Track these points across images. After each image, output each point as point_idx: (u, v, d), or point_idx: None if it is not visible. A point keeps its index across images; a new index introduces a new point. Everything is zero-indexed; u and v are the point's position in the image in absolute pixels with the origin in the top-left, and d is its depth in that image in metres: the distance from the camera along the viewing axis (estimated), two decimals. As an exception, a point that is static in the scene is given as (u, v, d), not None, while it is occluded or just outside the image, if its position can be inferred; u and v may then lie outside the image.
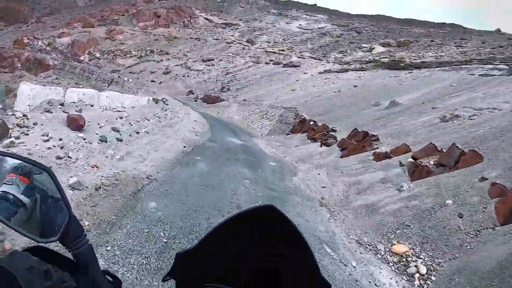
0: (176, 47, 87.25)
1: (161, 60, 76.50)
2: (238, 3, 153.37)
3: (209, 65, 72.65)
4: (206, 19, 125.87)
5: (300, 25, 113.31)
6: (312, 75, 55.48)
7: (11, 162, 0.94)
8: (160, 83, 62.50)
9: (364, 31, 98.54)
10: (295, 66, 64.27)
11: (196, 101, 49.04)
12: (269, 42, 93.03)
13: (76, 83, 40.51)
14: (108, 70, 71.72)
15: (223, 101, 43.87)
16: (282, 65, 66.43)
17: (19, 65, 73.83)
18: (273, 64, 68.30)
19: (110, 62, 76.23)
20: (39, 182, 0.93)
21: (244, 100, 37.69)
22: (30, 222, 0.91)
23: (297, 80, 51.44)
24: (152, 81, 64.69)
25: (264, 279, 0.96)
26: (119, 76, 61.07)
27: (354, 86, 37.27)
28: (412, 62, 54.83)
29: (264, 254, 0.94)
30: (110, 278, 0.98)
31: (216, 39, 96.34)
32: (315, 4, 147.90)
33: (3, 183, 0.89)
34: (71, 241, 0.92)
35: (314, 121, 20.68)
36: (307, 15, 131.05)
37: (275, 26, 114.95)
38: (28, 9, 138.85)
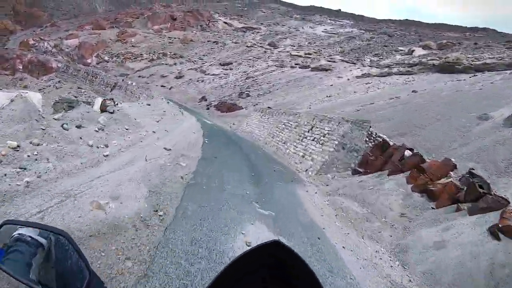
0: (192, 50, 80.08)
1: (174, 64, 69.09)
2: (259, 8, 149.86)
3: (227, 69, 64.77)
4: (226, 23, 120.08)
5: (325, 29, 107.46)
6: (348, 79, 47.08)
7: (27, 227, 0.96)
8: (170, 88, 54.78)
9: (395, 35, 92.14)
10: (326, 70, 56.65)
11: (208, 109, 40.85)
12: (294, 46, 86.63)
13: (79, 87, 33.34)
14: (116, 73, 64.79)
15: (241, 109, 35.51)
16: (310, 68, 58.85)
17: (21, 67, 66.36)
18: (299, 68, 61.27)
19: (119, 66, 69.33)
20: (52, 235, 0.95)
21: (269, 107, 28.96)
22: (49, 269, 0.93)
23: (331, 85, 42.71)
24: (162, 86, 57.10)
25: None
26: (123, 80, 53.87)
27: (412, 91, 28.32)
28: (472, 64, 45.02)
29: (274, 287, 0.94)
30: None
31: (235, 43, 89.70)
32: (339, 10, 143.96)
33: (19, 227, 0.93)
34: None
35: (410, 149, 11.48)
36: (332, 20, 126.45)
37: (298, 30, 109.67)
38: (47, 14, 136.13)
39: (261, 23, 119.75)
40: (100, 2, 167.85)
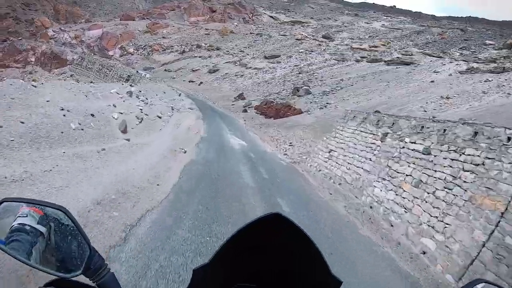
0: (231, 42, 67.88)
1: (209, 57, 56.95)
2: (307, 4, 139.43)
3: (273, 63, 51.64)
4: (271, 17, 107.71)
5: (383, 24, 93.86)
6: (450, 74, 32.82)
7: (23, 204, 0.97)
8: (200, 84, 42.41)
9: (468, 30, 77.63)
10: (407, 64, 43.22)
11: (246, 111, 27.75)
12: (353, 39, 73.19)
13: (91, 82, 24.81)
14: (139, 67, 53.93)
15: (301, 113, 22.00)
16: (383, 62, 45.02)
17: (33, 60, 54.92)
18: (367, 61, 48.03)
19: (144, 59, 58.34)
20: (51, 212, 0.96)
21: (377, 111, 14.84)
22: (49, 253, 0.94)
23: (432, 81, 28.46)
24: (190, 81, 44.87)
25: (278, 279, 0.99)
26: (137, 72, 42.47)
27: None
28: None
29: (277, 259, 0.96)
30: None
31: (282, 35, 77.15)
32: (394, 6, 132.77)
33: (18, 216, 0.92)
34: (94, 273, 0.94)
35: None
36: (387, 16, 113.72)
37: (354, 25, 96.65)
38: (89, 14, 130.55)
39: (311, 17, 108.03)
40: (141, 1, 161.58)
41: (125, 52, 60.68)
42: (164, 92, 23.76)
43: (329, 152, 12.00)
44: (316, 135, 15.53)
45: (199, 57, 57.07)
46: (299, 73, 42.73)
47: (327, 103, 23.66)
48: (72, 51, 56.69)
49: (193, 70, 49.66)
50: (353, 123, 11.37)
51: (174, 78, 47.19)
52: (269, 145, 16.38)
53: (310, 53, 59.47)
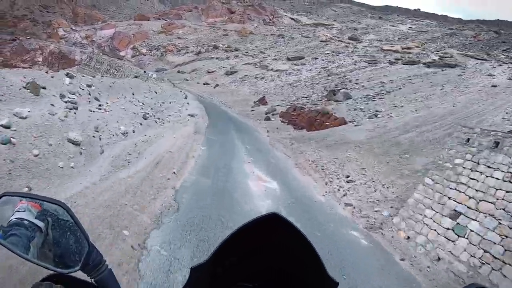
0: (251, 43, 63.41)
1: (227, 58, 52.39)
2: (329, 7, 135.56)
3: (297, 64, 46.63)
4: (293, 19, 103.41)
5: (410, 27, 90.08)
6: (510, 78, 27.40)
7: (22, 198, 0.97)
8: (215, 87, 37.81)
9: (501, 33, 74.06)
10: (451, 66, 37.59)
11: (269, 119, 22.72)
12: (381, 40, 68.46)
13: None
14: (151, 68, 49.88)
15: (345, 124, 16.71)
16: (423, 65, 39.86)
17: (40, 60, 51.78)
18: (402, 63, 42.98)
19: (157, 60, 54.24)
20: (49, 207, 0.95)
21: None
22: (46, 248, 0.93)
23: (494, 86, 23.44)
24: (205, 83, 40.28)
25: (276, 280, 1.00)
26: (144, 72, 38.10)
27: None
28: None
29: (273, 260, 0.97)
30: None
31: (305, 37, 72.91)
32: (419, 9, 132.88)
33: (16, 211, 0.91)
34: (92, 269, 0.93)
35: None
36: (412, 19, 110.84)
37: (379, 27, 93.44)
38: (108, 17, 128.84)
39: (334, 20, 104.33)
40: (160, 5, 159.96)
41: (138, 53, 56.75)
42: (156, 92, 19.13)
43: (453, 215, 6.30)
44: (387, 164, 10.12)
45: (216, 58, 52.55)
46: (328, 76, 37.58)
47: (376, 111, 18.28)
48: (81, 51, 53.14)
49: (209, 72, 45.07)
50: (499, 157, 5.87)
51: (187, 80, 42.77)
52: (313, 181, 10.54)
53: (337, 55, 54.45)
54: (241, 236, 0.87)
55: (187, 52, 55.71)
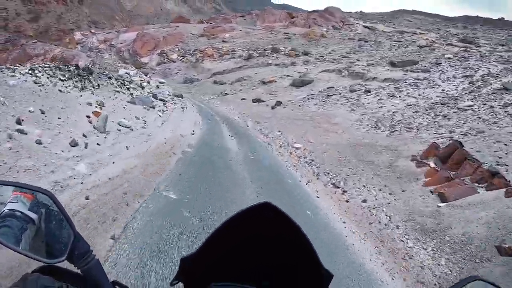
0: (325, 47, 45.12)
1: (292, 64, 34.04)
2: (402, 17, 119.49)
3: (415, 71, 26.90)
4: (366, 26, 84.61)
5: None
6: None
7: (11, 188, 0.96)
8: (276, 106, 19.05)
9: None
10: None
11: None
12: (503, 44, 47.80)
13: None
14: (178, 78, 33.08)
15: None
16: None
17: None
18: None
19: (189, 67, 37.54)
20: (42, 197, 0.94)
21: None
22: (37, 241, 0.93)
23: None
24: (256, 100, 21.80)
25: (268, 274, 0.98)
26: (148, 80, 20.96)
27: None
28: None
29: (266, 251, 0.95)
30: None
31: (397, 41, 53.20)
32: (502, 18, 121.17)
33: (8, 202, 0.91)
34: (78, 259, 0.92)
35: None
36: (499, 29, 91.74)
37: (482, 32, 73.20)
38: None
39: (416, 28, 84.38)
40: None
41: (166, 59, 40.25)
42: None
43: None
44: None
45: (275, 65, 34.28)
46: (503, 90, 17.27)
47: None
48: (88, 56, 38.18)
49: (264, 82, 26.81)
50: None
51: (226, 94, 25.15)
52: None
53: (467, 60, 34.29)
54: (232, 226, 0.86)
55: (233, 57, 38.31)
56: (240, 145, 10.46)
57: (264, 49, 40.19)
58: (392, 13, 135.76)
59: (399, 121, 14.17)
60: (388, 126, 13.20)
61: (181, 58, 40.67)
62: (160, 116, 12.51)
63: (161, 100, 16.07)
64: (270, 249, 0.92)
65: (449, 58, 34.69)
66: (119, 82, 15.96)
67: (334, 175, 8.21)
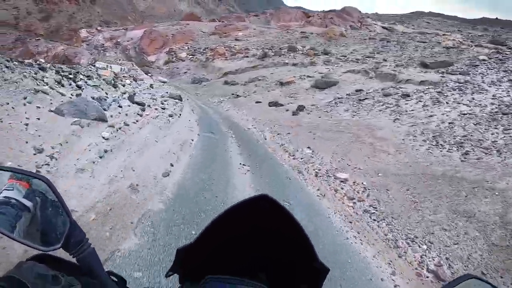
0: (345, 46, 42.01)
1: (311, 63, 30.90)
2: (420, 19, 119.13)
3: (452, 73, 23.40)
4: (385, 27, 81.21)
5: None
6: None
7: (7, 174, 0.94)
8: (297, 112, 15.77)
9: None
10: None
11: None
12: None
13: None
14: (186, 78, 30.08)
15: None
16: None
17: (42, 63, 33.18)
18: None
19: (198, 67, 34.73)
20: (37, 186, 0.93)
21: None
22: (33, 228, 0.92)
23: None
24: (274, 103, 18.47)
25: (264, 266, 0.99)
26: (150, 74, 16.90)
27: None
28: None
29: (263, 244, 0.96)
30: (114, 278, 0.99)
31: (421, 42, 50.24)
32: None
33: (4, 189, 0.89)
34: (74, 247, 0.91)
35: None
36: None
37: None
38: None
39: (437, 29, 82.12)
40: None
41: (174, 58, 37.43)
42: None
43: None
44: None
45: (293, 64, 31.15)
46: None
47: None
48: (91, 53, 35.62)
49: (281, 83, 23.66)
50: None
51: (238, 96, 21.92)
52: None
53: (504, 63, 30.71)
54: (228, 218, 0.85)
55: (246, 56, 35.24)
56: (258, 183, 6.71)
57: (280, 48, 37.02)
58: (409, 15, 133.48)
59: (463, 136, 10.80)
60: (453, 144, 9.85)
61: (191, 57, 37.77)
62: (105, 139, 6.83)
63: (138, 104, 11.47)
64: (266, 241, 0.91)
65: (483, 60, 31.30)
66: (60, 76, 11.48)
67: (426, 246, 4.89)
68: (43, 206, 0.90)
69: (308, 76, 25.76)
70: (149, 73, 26.95)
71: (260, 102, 19.13)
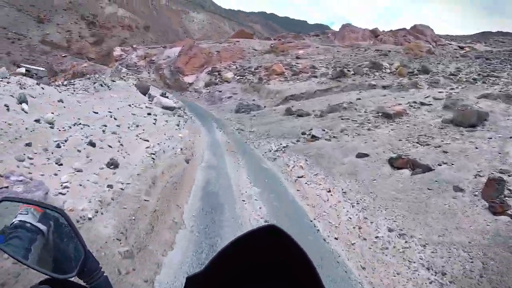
0: (442, 64, 31.93)
1: (414, 85, 20.78)
2: (492, 38, 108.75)
3: None
4: (461, 47, 69.34)
5: None
6: None
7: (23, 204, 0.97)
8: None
9: None
10: None
11: None
12: None
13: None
14: (229, 105, 20.50)
15: None
16: None
17: (60, 82, 39.61)
18: None
19: (247, 90, 26.10)
20: (50, 211, 0.95)
21: None
22: (46, 253, 0.93)
23: None
24: (398, 164, 8.51)
25: None
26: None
27: None
28: None
29: (272, 273, 0.92)
30: None
31: None
32: None
33: (19, 214, 0.91)
34: (88, 275, 0.93)
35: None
36: None
37: None
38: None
39: None
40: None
41: (217, 79, 29.27)
42: None
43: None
44: None
45: (383, 87, 21.49)
46: None
47: None
48: (115, 71, 28.88)
49: (386, 115, 13.67)
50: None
51: (314, 138, 12.25)
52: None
53: None
54: (238, 248, 0.84)
55: (314, 76, 26.22)
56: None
57: (359, 66, 27.49)
58: (478, 35, 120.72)
59: None
60: None
61: (239, 77, 29.40)
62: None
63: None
64: (275, 272, 0.89)
65: None
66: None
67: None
68: (57, 231, 0.91)
69: (422, 104, 15.88)
70: (146, 94, 19.08)
71: (366, 155, 9.56)
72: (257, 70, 30.40)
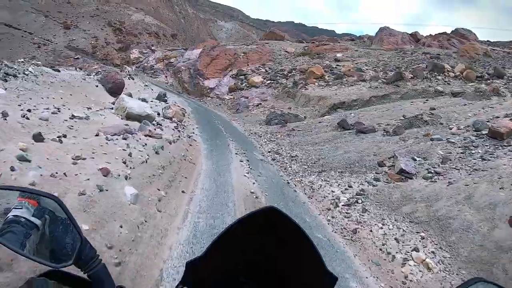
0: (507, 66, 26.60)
1: (495, 92, 15.90)
2: None
3: None
4: (507, 52, 62.70)
5: None
6: None
7: (16, 193, 0.96)
8: None
9: None
10: None
11: None
12: None
13: None
14: (259, 114, 13.95)
15: None
16: None
17: None
18: None
19: (281, 95, 22.08)
20: (46, 204, 0.94)
21: None
22: (42, 245, 0.93)
23: None
24: None
25: (272, 278, 0.97)
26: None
27: None
28: None
29: (271, 255, 0.95)
30: None
31: None
32: None
33: (13, 208, 0.91)
34: (85, 264, 0.92)
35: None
36: None
37: None
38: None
39: None
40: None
41: (244, 84, 25.37)
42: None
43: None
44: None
45: (454, 94, 16.58)
46: None
47: None
48: (129, 74, 25.77)
49: (494, 134, 8.83)
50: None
51: (406, 177, 7.52)
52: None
53: None
54: (236, 230, 0.85)
55: (362, 80, 21.78)
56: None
57: (413, 68, 22.88)
58: None
59: None
60: None
61: (269, 82, 25.29)
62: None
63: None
64: (275, 252, 0.90)
65: None
66: None
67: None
68: (53, 223, 0.90)
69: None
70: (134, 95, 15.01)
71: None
72: (290, 74, 26.22)
